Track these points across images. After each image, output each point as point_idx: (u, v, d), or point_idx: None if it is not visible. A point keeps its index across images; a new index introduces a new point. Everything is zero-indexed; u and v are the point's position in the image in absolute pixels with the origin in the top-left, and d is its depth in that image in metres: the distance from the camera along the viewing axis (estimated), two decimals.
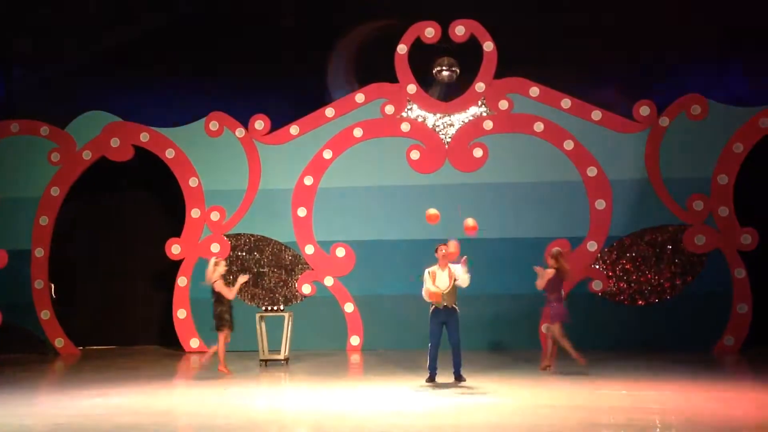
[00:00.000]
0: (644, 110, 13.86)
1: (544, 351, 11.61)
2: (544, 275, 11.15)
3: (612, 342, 13.47)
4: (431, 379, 10.51)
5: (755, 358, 12.63)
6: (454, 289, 10.48)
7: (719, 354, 13.11)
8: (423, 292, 10.50)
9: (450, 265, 10.50)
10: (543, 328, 12.21)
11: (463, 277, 10.46)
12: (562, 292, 11.27)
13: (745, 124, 13.55)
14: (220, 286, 11.48)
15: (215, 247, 14.40)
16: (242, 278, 11.96)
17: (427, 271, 10.51)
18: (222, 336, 11.44)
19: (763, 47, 13.83)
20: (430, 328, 10.54)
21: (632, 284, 13.76)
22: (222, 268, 11.61)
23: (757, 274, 13.39)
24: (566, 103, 14.07)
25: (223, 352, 11.48)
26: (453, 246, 10.60)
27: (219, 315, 11.44)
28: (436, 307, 10.49)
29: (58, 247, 14.75)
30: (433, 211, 10.80)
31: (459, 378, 10.47)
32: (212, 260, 11.73)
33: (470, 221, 10.75)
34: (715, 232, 13.52)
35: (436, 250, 10.56)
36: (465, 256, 10.53)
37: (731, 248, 13.45)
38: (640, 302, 13.73)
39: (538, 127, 14.10)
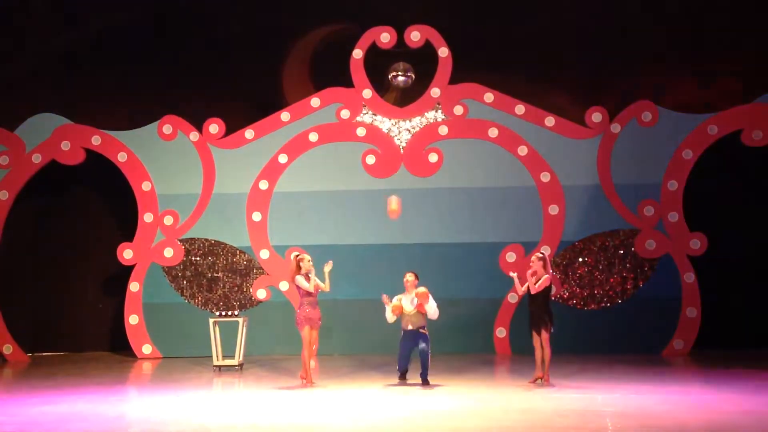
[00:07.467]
0: (596, 117, 14.04)
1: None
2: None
3: (564, 346, 13.54)
4: (402, 376, 10.95)
5: (703, 360, 12.86)
6: (419, 313, 10.84)
7: (669, 357, 13.34)
8: (386, 315, 10.98)
9: (418, 293, 10.81)
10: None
11: (431, 311, 10.84)
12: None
13: (693, 130, 13.81)
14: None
15: (168, 252, 14.25)
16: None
17: (396, 297, 10.95)
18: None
19: (711, 55, 14.11)
20: (400, 352, 10.92)
21: (584, 288, 13.93)
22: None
23: (706, 278, 13.64)
24: (520, 109, 14.20)
25: None
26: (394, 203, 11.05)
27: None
28: (405, 331, 10.88)
29: (7, 252, 14.46)
30: (395, 205, 11.14)
31: (425, 382, 10.67)
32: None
33: (393, 204, 11.19)
34: (665, 237, 13.75)
35: (405, 281, 10.99)
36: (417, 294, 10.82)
37: (681, 253, 13.69)
38: (592, 306, 13.90)
39: (493, 132, 14.21)
